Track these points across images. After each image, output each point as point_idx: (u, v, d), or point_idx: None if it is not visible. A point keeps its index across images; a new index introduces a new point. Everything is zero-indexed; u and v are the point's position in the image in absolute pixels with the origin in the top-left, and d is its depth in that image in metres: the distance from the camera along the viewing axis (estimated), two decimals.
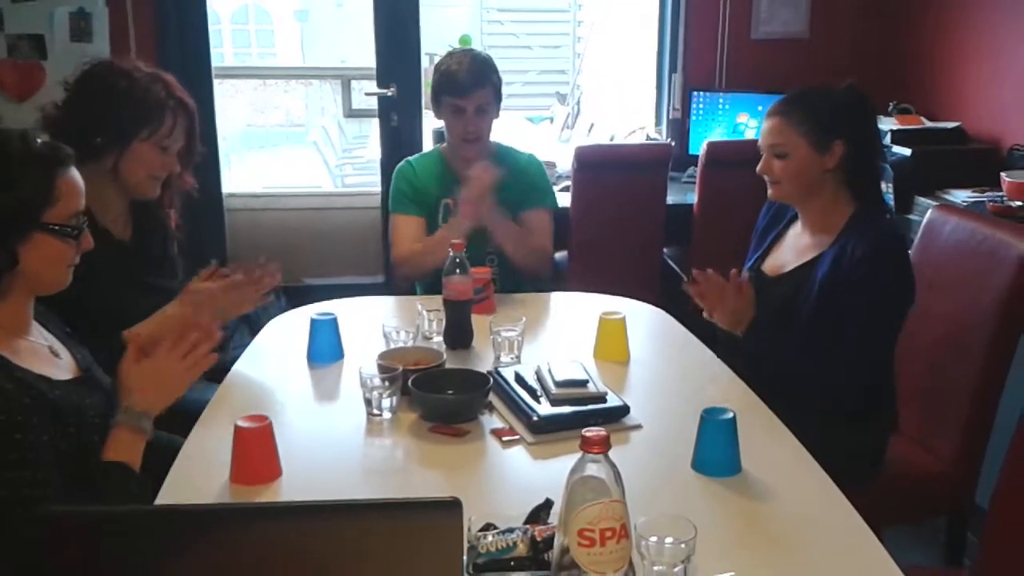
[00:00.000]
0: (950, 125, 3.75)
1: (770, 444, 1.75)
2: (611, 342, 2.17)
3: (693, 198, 3.71)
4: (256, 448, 1.58)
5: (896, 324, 2.06)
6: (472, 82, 2.62)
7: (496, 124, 2.74)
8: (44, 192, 1.54)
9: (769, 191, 2.18)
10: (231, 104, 7.46)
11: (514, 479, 1.70)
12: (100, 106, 2.06)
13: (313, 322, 2.17)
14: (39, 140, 1.59)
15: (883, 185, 2.38)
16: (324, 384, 2.07)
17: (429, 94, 2.78)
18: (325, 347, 2.15)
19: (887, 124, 3.70)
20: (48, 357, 1.62)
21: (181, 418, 1.83)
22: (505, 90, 2.74)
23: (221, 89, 4.36)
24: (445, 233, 2.53)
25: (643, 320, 2.40)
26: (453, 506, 1.02)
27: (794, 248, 2.20)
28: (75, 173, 1.60)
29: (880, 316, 2.02)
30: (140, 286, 2.15)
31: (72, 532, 1.04)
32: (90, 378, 1.67)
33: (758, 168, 2.16)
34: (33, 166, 1.54)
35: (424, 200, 2.75)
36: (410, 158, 2.87)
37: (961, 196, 3.32)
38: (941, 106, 3.94)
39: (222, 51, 9.76)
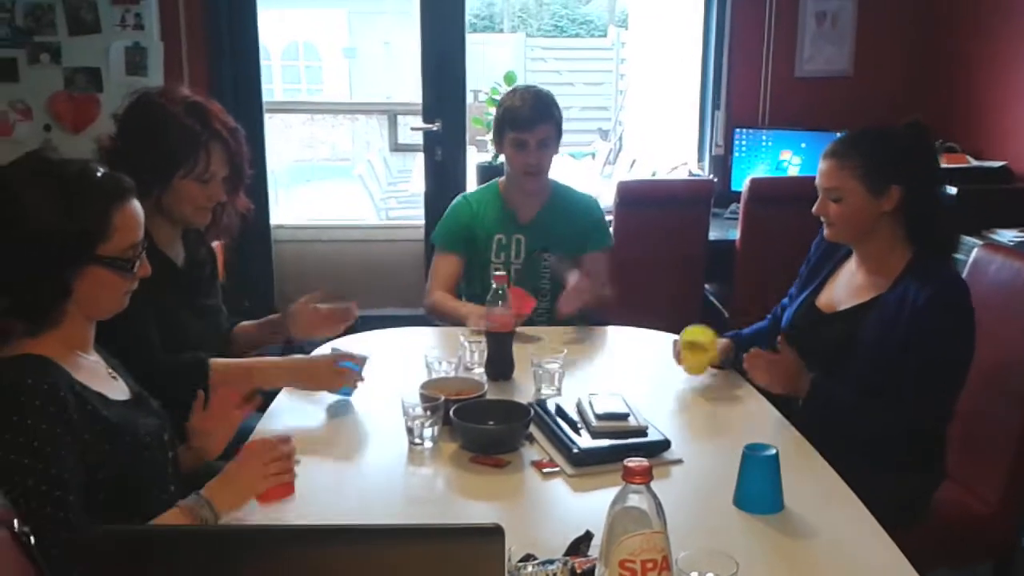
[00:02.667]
0: (996, 164, 3.72)
1: (813, 482, 1.74)
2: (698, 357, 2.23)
3: (735, 234, 3.71)
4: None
5: (958, 380, 2.01)
6: (535, 117, 2.68)
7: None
8: (99, 226, 1.53)
9: (824, 231, 2.14)
10: (280, 138, 7.59)
11: (554, 510, 1.71)
12: (138, 146, 2.05)
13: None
14: (99, 172, 1.57)
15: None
16: (365, 415, 2.08)
17: (489, 129, 2.82)
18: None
19: None
20: (106, 377, 1.65)
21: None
22: None
23: (271, 124, 4.46)
24: (465, 313, 2.57)
25: None
26: (495, 532, 1.03)
27: (848, 286, 2.15)
28: (134, 205, 1.59)
29: (941, 371, 1.97)
30: (193, 309, 2.20)
31: (115, 552, 1.05)
32: (142, 401, 1.70)
33: (814, 209, 2.11)
34: (90, 199, 1.53)
35: (474, 237, 2.79)
36: (467, 193, 2.93)
37: (1007, 236, 3.28)
38: (987, 145, 3.91)
39: (272, 87, 9.97)
